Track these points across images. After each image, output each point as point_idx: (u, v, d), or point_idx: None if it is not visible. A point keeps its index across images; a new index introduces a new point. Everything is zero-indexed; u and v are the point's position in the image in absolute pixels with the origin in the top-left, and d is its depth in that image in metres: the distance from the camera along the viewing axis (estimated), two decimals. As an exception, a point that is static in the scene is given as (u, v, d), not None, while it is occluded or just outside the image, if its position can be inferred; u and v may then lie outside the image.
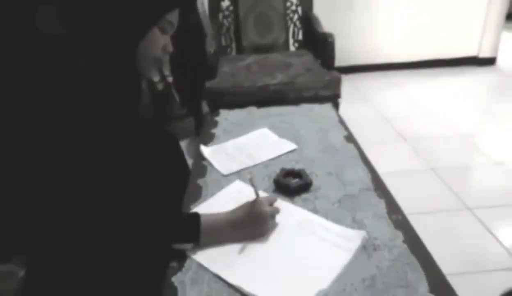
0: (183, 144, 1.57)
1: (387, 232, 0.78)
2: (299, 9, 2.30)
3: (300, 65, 1.92)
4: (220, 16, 2.27)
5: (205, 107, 1.92)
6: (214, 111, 1.53)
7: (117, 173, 0.70)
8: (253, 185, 0.80)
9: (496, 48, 3.42)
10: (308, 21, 2.24)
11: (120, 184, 0.70)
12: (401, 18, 3.24)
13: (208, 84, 1.76)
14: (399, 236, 0.76)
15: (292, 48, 2.37)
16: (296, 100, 1.64)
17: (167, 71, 2.10)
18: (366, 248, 0.74)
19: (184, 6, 0.77)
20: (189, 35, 2.09)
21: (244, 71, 1.91)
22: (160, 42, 0.73)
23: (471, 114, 2.47)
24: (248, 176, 0.82)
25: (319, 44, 1.98)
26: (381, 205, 0.86)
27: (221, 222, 0.76)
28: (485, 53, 3.42)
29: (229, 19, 2.29)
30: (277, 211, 0.81)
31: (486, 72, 3.30)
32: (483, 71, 3.32)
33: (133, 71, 0.75)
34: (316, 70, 1.85)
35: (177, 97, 2.11)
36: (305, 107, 1.50)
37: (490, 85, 3.07)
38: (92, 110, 0.66)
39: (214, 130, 1.33)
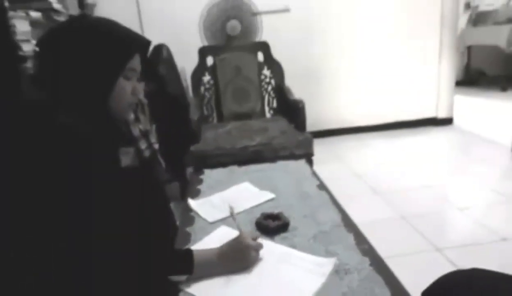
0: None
1: (356, 258, 0.89)
2: (273, 81, 2.57)
3: (275, 129, 2.12)
4: (202, 88, 2.51)
5: (189, 173, 2.05)
6: (199, 171, 1.67)
7: (110, 215, 0.74)
8: (234, 219, 0.91)
9: (451, 109, 3.80)
10: (281, 91, 2.50)
11: (115, 226, 0.75)
12: (364, 85, 3.60)
13: (193, 148, 1.91)
14: (367, 261, 0.88)
15: (268, 115, 2.60)
16: (273, 159, 1.81)
17: (153, 139, 2.26)
18: (338, 272, 0.85)
19: (141, 52, 0.83)
20: (174, 105, 2.30)
21: (225, 136, 2.08)
22: (127, 88, 0.80)
23: (436, 168, 2.69)
24: (229, 210, 0.93)
25: (291, 110, 2.21)
26: (350, 238, 0.98)
27: (210, 256, 0.87)
28: (442, 114, 3.79)
29: (210, 91, 2.52)
30: (260, 245, 0.91)
31: (445, 131, 3.62)
32: (442, 130, 3.64)
33: (111, 120, 0.82)
34: (290, 133, 2.05)
35: (163, 163, 2.24)
36: (281, 163, 1.66)
37: (449, 142, 3.36)
38: (82, 161, 0.71)
39: (199, 187, 1.46)
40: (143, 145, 2.13)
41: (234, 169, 1.65)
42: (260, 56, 2.58)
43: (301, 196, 1.28)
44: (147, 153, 2.14)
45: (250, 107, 2.49)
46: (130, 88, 0.82)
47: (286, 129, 2.10)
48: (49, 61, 0.75)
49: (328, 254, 0.92)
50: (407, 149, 3.16)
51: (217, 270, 0.86)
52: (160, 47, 2.32)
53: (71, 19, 0.82)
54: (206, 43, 2.70)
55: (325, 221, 1.08)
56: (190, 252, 0.85)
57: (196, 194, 1.38)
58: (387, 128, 3.68)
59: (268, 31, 2.92)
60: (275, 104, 2.59)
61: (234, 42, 2.52)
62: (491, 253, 1.62)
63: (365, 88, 3.60)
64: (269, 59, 2.58)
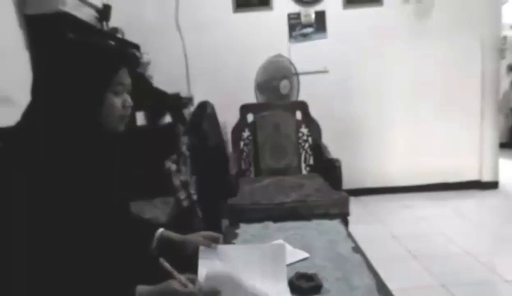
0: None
1: (389, 328, 0.88)
2: (310, 139, 2.64)
3: (311, 186, 2.15)
4: (241, 143, 2.63)
5: (224, 226, 2.10)
6: (235, 225, 1.71)
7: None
8: (166, 268, 0.84)
9: (496, 172, 3.66)
10: (318, 149, 2.56)
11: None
12: (404, 144, 3.58)
13: (230, 201, 1.98)
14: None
15: (304, 171, 2.64)
16: (308, 216, 1.82)
17: (192, 190, 2.37)
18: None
19: (127, 65, 0.86)
20: (214, 158, 2.41)
21: (262, 191, 2.14)
22: (117, 102, 0.83)
23: (480, 234, 2.56)
24: (160, 260, 0.86)
25: (327, 168, 2.25)
26: (384, 306, 0.97)
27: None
28: (487, 177, 3.65)
29: (249, 146, 2.63)
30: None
31: (490, 195, 3.46)
32: (487, 194, 3.49)
33: (104, 134, 0.83)
34: (326, 191, 2.07)
35: (200, 213, 2.31)
36: (316, 222, 1.67)
37: (495, 207, 3.20)
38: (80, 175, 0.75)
39: (234, 241, 1.49)
40: (182, 195, 2.23)
41: (269, 224, 1.67)
42: (298, 115, 2.69)
43: (335, 258, 1.28)
44: (185, 203, 2.23)
45: (286, 163, 2.55)
46: (120, 102, 0.84)
47: (321, 187, 2.13)
48: (40, 84, 0.79)
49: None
50: (449, 212, 3.04)
51: None
52: (204, 104, 2.49)
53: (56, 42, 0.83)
54: (254, 100, 2.85)
55: (359, 286, 1.07)
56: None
57: (231, 248, 1.41)
58: (428, 190, 3.58)
59: (307, 90, 3.05)
60: (311, 162, 2.64)
61: (280, 100, 2.66)
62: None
63: (405, 148, 3.58)
64: (307, 117, 2.67)
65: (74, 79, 0.77)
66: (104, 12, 2.47)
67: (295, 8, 3.39)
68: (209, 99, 2.69)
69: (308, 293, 1.04)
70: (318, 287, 1.05)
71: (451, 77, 3.50)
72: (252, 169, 2.63)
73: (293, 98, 2.92)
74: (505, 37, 4.89)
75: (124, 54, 0.87)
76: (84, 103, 0.78)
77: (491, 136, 3.61)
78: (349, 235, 1.50)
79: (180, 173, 2.30)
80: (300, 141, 2.65)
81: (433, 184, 3.60)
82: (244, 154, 2.63)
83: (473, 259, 2.17)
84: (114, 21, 2.65)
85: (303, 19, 3.37)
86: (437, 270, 2.03)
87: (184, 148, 2.35)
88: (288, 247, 1.38)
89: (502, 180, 3.69)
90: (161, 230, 1.05)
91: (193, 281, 0.83)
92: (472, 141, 3.61)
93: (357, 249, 1.36)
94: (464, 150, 3.61)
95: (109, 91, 0.82)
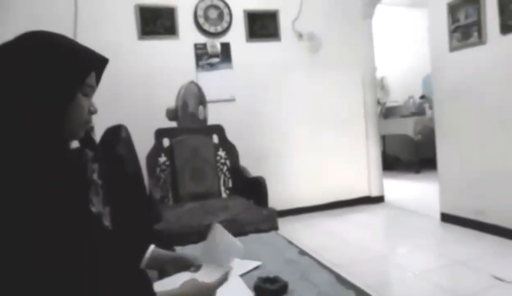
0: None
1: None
2: (228, 162, 2.66)
3: (237, 206, 2.15)
4: (158, 170, 2.49)
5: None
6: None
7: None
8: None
9: (382, 188, 4.21)
10: (237, 171, 2.58)
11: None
12: (305, 167, 3.86)
13: (156, 227, 1.84)
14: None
15: (224, 195, 2.63)
16: (240, 234, 1.80)
17: (106, 222, 2.12)
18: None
19: (99, 69, 0.83)
20: (133, 185, 2.22)
21: (187, 215, 2.05)
22: (85, 105, 0.78)
23: (381, 241, 2.88)
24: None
25: (251, 188, 2.28)
26: (352, 294, 1.01)
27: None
28: (375, 193, 4.16)
29: (166, 172, 2.51)
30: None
31: (379, 208, 3.95)
32: (376, 207, 3.97)
33: (62, 138, 0.77)
34: (253, 209, 2.09)
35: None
36: (254, 236, 1.67)
37: (384, 216, 3.67)
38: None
39: (176, 263, 1.39)
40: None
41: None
42: (215, 138, 2.70)
43: (286, 262, 1.29)
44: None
45: (207, 187, 2.51)
46: (87, 105, 0.79)
47: (247, 206, 2.14)
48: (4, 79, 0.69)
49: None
50: (349, 224, 3.35)
51: None
52: (118, 128, 2.30)
53: (23, 35, 0.74)
54: (164, 125, 2.74)
55: (320, 282, 1.10)
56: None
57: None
58: (324, 208, 3.88)
59: (217, 116, 3.09)
60: (230, 184, 2.64)
61: (196, 126, 2.62)
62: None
63: (306, 170, 3.86)
64: (224, 141, 2.70)
65: (47, 73, 0.69)
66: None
67: (201, 38, 3.48)
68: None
69: (277, 295, 1.02)
70: (285, 287, 1.05)
71: (341, 105, 3.97)
72: (170, 195, 2.51)
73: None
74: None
75: (100, 56, 0.80)
76: (54, 99, 0.70)
77: (375, 154, 4.16)
78: (291, 242, 1.54)
79: (91, 204, 2.05)
80: (218, 164, 2.65)
81: (332, 202, 3.94)
82: (161, 180, 2.50)
83: (382, 259, 2.42)
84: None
85: (210, 49, 3.46)
86: (359, 275, 2.19)
87: (95, 176, 2.12)
88: (237, 260, 1.35)
89: (386, 195, 4.25)
90: (152, 247, 1.05)
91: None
92: (361, 161, 4.10)
93: (303, 252, 1.39)
94: (355, 169, 4.07)
95: (80, 91, 0.75)
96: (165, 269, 1.09)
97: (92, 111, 0.81)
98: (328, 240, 2.95)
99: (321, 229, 3.28)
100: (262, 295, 1.02)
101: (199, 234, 1.83)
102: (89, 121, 0.81)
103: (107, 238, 0.86)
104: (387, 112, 6.26)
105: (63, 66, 0.71)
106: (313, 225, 3.41)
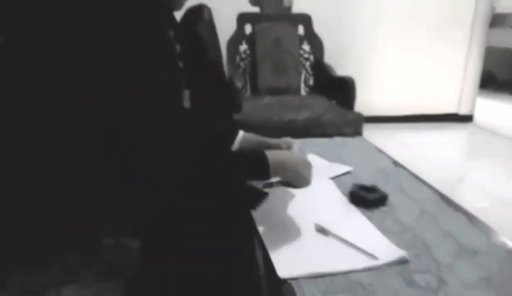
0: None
1: (481, 239, 0.80)
2: (311, 57, 2.45)
3: (318, 106, 2.01)
4: (237, 58, 2.37)
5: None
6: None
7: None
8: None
9: (473, 106, 3.76)
10: (320, 68, 2.38)
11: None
12: (392, 73, 3.51)
13: (237, 117, 1.79)
14: (498, 242, 0.78)
15: (303, 92, 2.48)
16: (321, 136, 1.70)
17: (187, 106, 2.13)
18: (466, 254, 0.75)
19: None
20: (215, 73, 2.16)
21: (267, 109, 1.97)
22: None
23: (463, 162, 2.64)
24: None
25: (336, 87, 2.10)
26: (461, 217, 0.89)
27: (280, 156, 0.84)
28: (464, 111, 3.74)
29: (246, 61, 2.39)
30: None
31: (467, 127, 3.58)
32: (464, 127, 3.60)
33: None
34: (336, 110, 1.94)
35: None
36: (339, 140, 1.55)
37: (472, 137, 3.33)
38: None
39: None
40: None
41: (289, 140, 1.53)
42: (300, 29, 2.45)
43: (379, 172, 1.18)
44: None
45: (287, 82, 2.36)
46: None
47: (330, 107, 2.00)
48: None
49: (446, 235, 0.82)
50: (429, 141, 3.10)
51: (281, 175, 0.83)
52: (201, 8, 2.16)
53: None
54: (248, 9, 2.52)
55: (422, 200, 0.98)
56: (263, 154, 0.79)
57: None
58: (409, 121, 3.60)
59: (306, 4, 2.77)
60: (311, 82, 2.47)
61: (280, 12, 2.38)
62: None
63: (393, 77, 3.50)
64: (310, 33, 2.45)
65: None
66: None
67: None
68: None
69: (374, 205, 0.93)
70: (384, 198, 0.95)
71: (446, 6, 3.38)
72: (247, 87, 2.42)
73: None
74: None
75: None
76: None
77: (474, 69, 3.63)
78: (381, 151, 1.41)
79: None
80: (301, 58, 2.45)
81: (415, 115, 3.63)
82: (240, 69, 2.40)
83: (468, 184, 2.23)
84: None
85: None
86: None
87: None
88: (323, 161, 1.26)
89: (476, 114, 3.81)
90: (242, 132, 1.06)
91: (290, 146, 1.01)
92: (456, 74, 3.62)
93: (397, 163, 1.26)
94: (447, 82, 3.62)
95: None
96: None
97: None
98: (408, 156, 2.77)
99: (401, 142, 3.08)
100: (357, 203, 0.94)
101: (280, 130, 1.76)
102: None
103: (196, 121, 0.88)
104: (494, 20, 5.28)
105: None
106: (393, 137, 3.21)
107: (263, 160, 0.78)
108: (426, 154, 2.80)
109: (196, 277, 0.77)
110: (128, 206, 0.72)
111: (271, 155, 0.80)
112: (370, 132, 3.20)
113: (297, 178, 0.83)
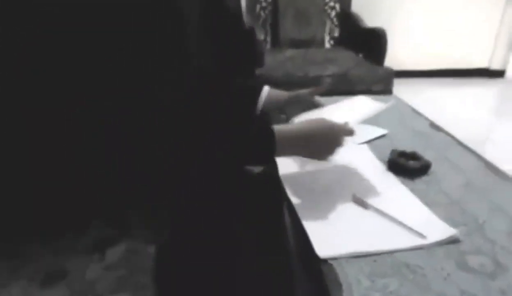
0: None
1: None
2: (337, 6, 2.26)
3: (345, 60, 1.88)
4: (258, 7, 2.21)
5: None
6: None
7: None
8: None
9: (506, 61, 3.52)
10: (347, 18, 2.21)
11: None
12: (421, 26, 3.27)
13: (258, 71, 1.69)
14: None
15: (327, 45, 2.33)
16: (349, 93, 1.59)
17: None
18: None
19: None
20: (233, 22, 2.02)
21: (290, 63, 1.85)
22: None
23: (495, 120, 2.50)
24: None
25: (364, 40, 1.95)
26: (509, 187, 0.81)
27: (293, 133, 0.73)
28: (496, 66, 3.51)
29: (266, 11, 2.23)
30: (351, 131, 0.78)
31: (498, 83, 3.37)
32: (495, 83, 3.39)
33: None
34: (365, 65, 1.81)
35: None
36: (372, 98, 1.45)
37: (505, 94, 3.14)
38: None
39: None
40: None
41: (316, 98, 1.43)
42: (326, -25, 2.25)
43: (415, 135, 1.09)
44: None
45: (310, 33, 2.21)
46: None
47: (358, 61, 1.86)
48: None
49: (497, 210, 0.74)
50: (464, 100, 2.93)
51: (298, 151, 0.75)
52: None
53: None
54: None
55: (467, 168, 0.90)
56: (271, 132, 0.70)
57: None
58: (433, 75, 3.41)
59: None
60: (336, 33, 2.30)
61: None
62: None
63: (423, 28, 3.27)
64: (336, -21, 2.25)
65: None
66: None
67: None
68: None
69: (415, 174, 0.85)
70: (427, 167, 0.87)
71: None
72: (268, 39, 2.27)
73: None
74: None
75: None
76: None
77: (509, 24, 3.35)
78: (416, 111, 1.30)
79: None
80: (326, 8, 2.27)
81: (444, 70, 3.43)
82: (261, 20, 2.24)
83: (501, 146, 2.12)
84: None
85: None
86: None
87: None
88: (357, 123, 1.17)
89: (508, 70, 3.57)
90: (267, 87, 0.99)
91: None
92: (490, 27, 3.36)
93: (435, 126, 1.16)
94: (480, 35, 3.37)
95: None
96: (286, 110, 1.02)
97: None
98: (436, 114, 2.63)
99: (428, 98, 2.92)
100: (397, 171, 0.86)
101: (305, 86, 1.65)
102: None
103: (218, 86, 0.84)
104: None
105: None
106: (420, 93, 3.05)
107: (270, 146, 0.70)
108: (454, 111, 2.66)
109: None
110: (129, 205, 0.70)
111: (285, 135, 0.71)
112: (396, 89, 3.07)
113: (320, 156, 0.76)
